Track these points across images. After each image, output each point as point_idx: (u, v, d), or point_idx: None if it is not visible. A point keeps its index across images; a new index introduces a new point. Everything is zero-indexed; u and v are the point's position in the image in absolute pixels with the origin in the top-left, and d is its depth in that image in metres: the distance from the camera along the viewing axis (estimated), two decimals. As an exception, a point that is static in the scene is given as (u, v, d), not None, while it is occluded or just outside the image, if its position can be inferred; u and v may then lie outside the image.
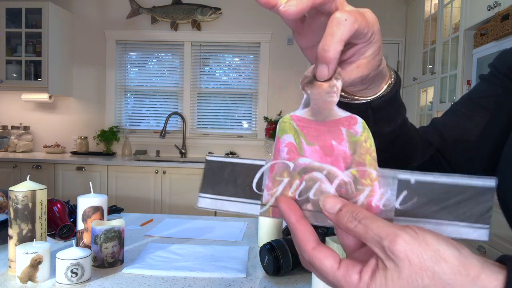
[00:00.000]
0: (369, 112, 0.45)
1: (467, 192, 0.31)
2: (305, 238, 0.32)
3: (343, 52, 0.34)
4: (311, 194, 0.34)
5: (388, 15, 3.67)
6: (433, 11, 3.08)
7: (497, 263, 0.30)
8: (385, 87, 0.44)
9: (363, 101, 0.44)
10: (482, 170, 0.59)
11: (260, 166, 0.35)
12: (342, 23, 0.31)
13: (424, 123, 3.19)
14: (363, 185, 0.33)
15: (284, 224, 1.11)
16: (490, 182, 0.30)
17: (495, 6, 2.06)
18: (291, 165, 0.34)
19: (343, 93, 0.44)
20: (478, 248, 1.97)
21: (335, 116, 0.33)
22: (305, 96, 0.34)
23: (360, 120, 0.33)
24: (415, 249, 0.28)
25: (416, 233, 0.29)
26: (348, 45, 0.35)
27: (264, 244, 0.93)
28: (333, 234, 0.94)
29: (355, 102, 0.44)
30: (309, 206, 0.34)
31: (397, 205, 0.32)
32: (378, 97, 0.44)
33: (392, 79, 0.44)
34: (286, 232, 1.11)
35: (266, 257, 0.92)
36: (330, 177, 0.33)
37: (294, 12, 0.31)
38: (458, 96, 2.54)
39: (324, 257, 0.31)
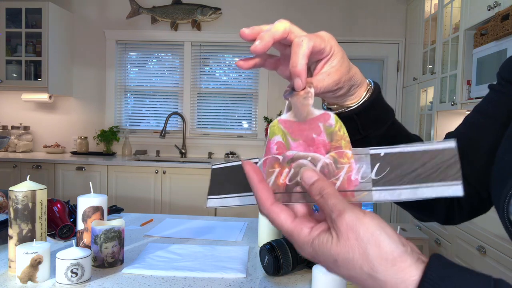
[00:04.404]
0: (355, 118, 0.52)
1: (432, 155, 0.35)
2: (265, 196, 0.38)
3: (314, 67, 0.44)
4: (299, 178, 0.39)
5: (388, 15, 3.67)
6: (433, 11, 3.08)
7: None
8: (364, 93, 0.51)
9: (349, 109, 0.52)
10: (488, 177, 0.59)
11: (255, 163, 0.41)
12: (300, 44, 0.39)
13: (424, 123, 3.19)
14: (342, 164, 0.38)
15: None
16: (449, 143, 0.34)
17: (495, 6, 2.06)
18: (280, 157, 0.40)
19: (335, 106, 0.52)
20: (478, 249, 1.97)
21: (312, 115, 0.39)
22: (287, 102, 0.41)
23: (332, 115, 0.39)
24: (355, 228, 0.33)
25: (363, 215, 0.33)
26: (317, 62, 0.43)
27: (264, 244, 0.93)
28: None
29: (343, 111, 0.52)
30: (298, 189, 0.39)
31: (373, 176, 0.37)
32: (360, 103, 0.51)
33: (370, 86, 0.52)
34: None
35: (266, 257, 0.92)
36: (314, 162, 0.39)
37: (261, 48, 0.40)
38: (458, 96, 2.54)
39: (280, 211, 0.37)
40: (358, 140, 0.54)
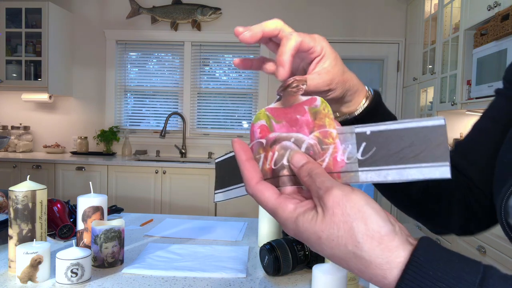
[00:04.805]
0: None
1: (420, 133, 0.33)
2: (251, 175, 0.37)
3: (306, 67, 0.45)
4: (285, 161, 0.38)
5: (388, 15, 3.67)
6: (433, 11, 3.08)
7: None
8: (364, 100, 0.52)
9: (352, 117, 0.52)
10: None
11: None
12: (289, 37, 0.40)
13: (424, 123, 3.19)
14: (327, 144, 0.36)
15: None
16: (439, 121, 0.32)
17: (495, 6, 2.06)
18: (264, 141, 0.39)
19: (336, 113, 0.53)
20: (478, 249, 1.97)
21: (299, 101, 0.39)
22: (278, 97, 0.41)
23: (319, 98, 0.38)
24: (342, 203, 0.32)
25: (351, 191, 0.33)
26: (310, 63, 0.44)
27: (264, 244, 0.93)
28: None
29: (346, 119, 0.53)
30: (285, 172, 0.38)
31: (359, 156, 0.35)
32: (360, 110, 0.52)
33: (369, 93, 0.53)
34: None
35: (266, 257, 0.92)
36: (298, 143, 0.38)
37: (248, 37, 0.40)
38: (458, 96, 2.54)
39: (265, 189, 0.37)
40: None
